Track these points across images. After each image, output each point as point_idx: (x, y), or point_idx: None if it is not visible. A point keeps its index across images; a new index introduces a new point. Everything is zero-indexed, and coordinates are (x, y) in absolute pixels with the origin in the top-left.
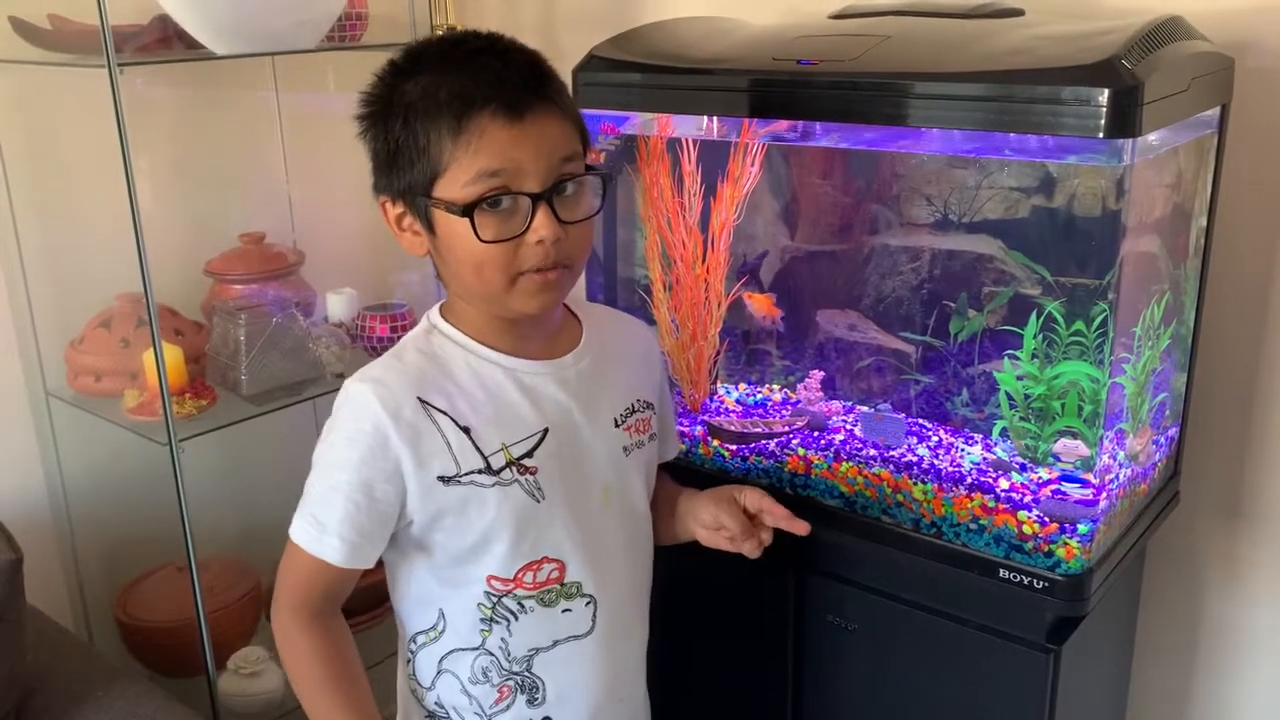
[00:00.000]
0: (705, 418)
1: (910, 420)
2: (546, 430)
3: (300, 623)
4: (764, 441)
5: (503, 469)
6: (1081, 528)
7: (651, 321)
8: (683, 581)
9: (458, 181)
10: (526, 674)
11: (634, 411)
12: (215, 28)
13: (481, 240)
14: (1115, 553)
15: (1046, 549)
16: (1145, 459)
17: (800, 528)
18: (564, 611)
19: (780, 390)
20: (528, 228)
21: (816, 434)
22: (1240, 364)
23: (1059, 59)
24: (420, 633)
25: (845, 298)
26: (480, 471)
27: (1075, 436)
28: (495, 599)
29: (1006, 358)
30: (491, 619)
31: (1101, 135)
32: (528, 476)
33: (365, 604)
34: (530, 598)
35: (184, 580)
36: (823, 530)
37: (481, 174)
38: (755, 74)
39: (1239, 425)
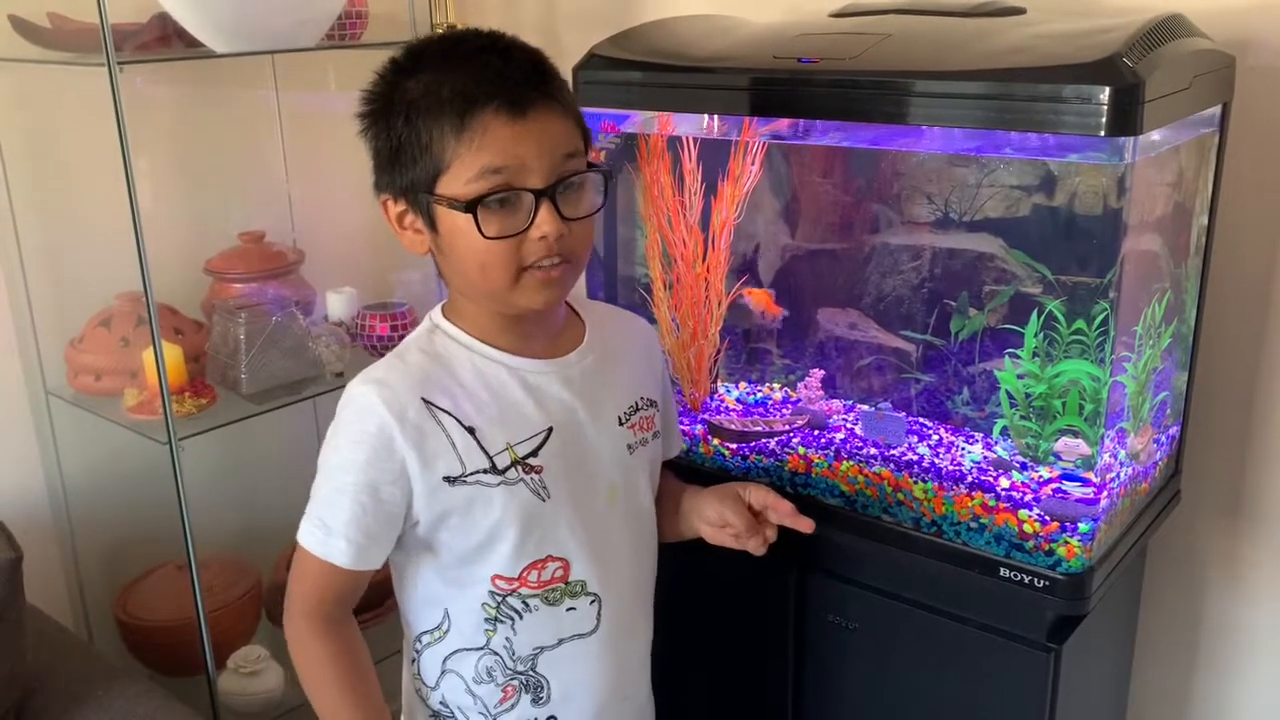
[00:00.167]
0: (705, 416)
1: (911, 419)
2: (551, 429)
3: (315, 629)
4: (764, 440)
5: (508, 468)
6: (1082, 526)
7: (652, 320)
8: (683, 580)
9: (460, 178)
10: (531, 673)
11: (638, 409)
12: (215, 26)
13: (485, 236)
14: (1116, 552)
15: (1047, 548)
16: (1146, 458)
17: (805, 525)
18: (568, 610)
19: (781, 389)
20: (531, 224)
21: (817, 433)
22: (1241, 363)
23: (1060, 57)
24: (425, 632)
25: (846, 296)
26: (485, 471)
27: (1076, 435)
28: (500, 598)
29: (1007, 356)
30: (496, 618)
31: (1103, 133)
32: (533, 475)
33: (367, 602)
34: (535, 596)
35: (184, 579)
36: (823, 529)
37: (485, 171)
38: (756, 72)
39: (1240, 424)
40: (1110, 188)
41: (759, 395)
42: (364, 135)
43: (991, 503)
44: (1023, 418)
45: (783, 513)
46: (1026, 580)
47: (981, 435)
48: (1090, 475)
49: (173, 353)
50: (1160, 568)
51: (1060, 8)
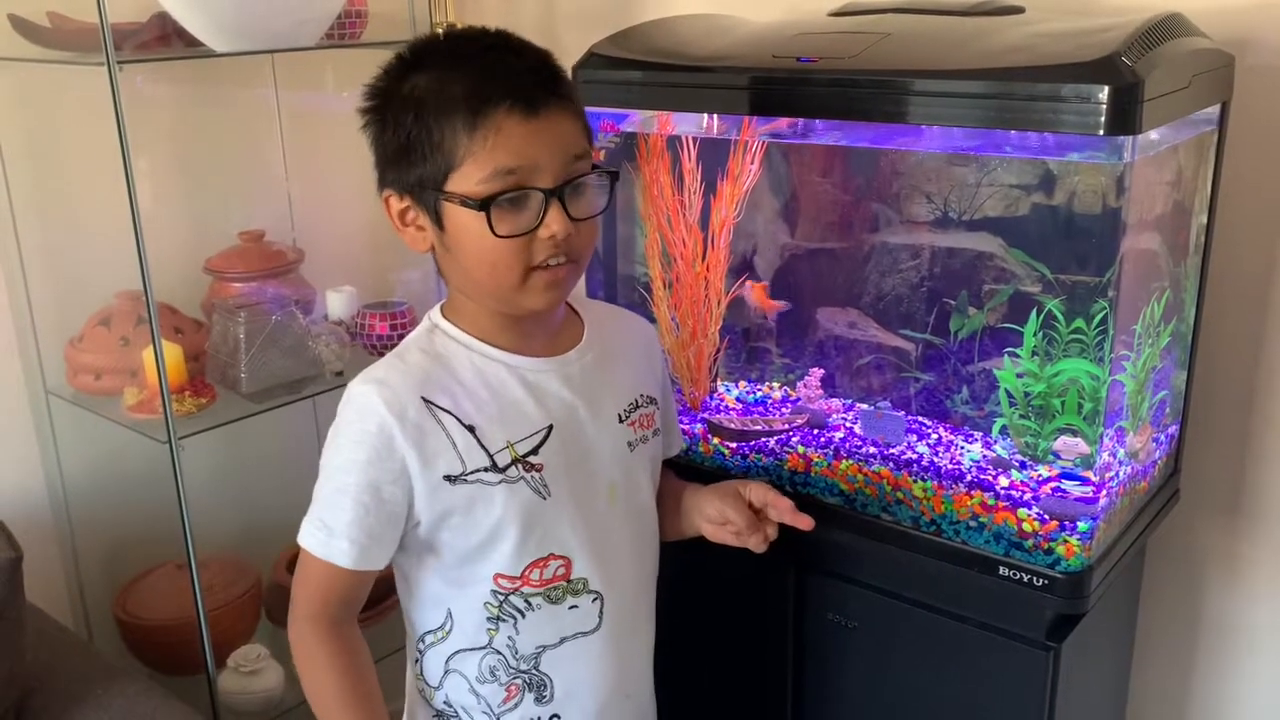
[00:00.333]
0: (705, 415)
1: (910, 418)
2: (551, 427)
3: (319, 633)
4: (764, 439)
5: (508, 466)
6: (1081, 525)
7: (651, 319)
8: (683, 579)
9: (472, 177)
10: (534, 672)
11: (637, 406)
12: (215, 25)
13: (496, 235)
14: (1115, 550)
15: (1046, 546)
16: (1145, 456)
17: (804, 522)
18: (570, 608)
19: (780, 388)
20: (540, 223)
21: (816, 432)
22: (1240, 361)
23: (1059, 56)
24: (428, 633)
25: (845, 295)
26: (486, 469)
27: (1075, 434)
28: (502, 597)
29: (1006, 355)
30: (498, 617)
31: (1102, 132)
32: (534, 473)
33: (367, 600)
34: (537, 595)
35: (184, 578)
36: (823, 528)
37: (498, 171)
38: (755, 71)
39: (1239, 423)
40: (1109, 187)
41: (758, 394)
42: (367, 130)
43: (991, 502)
44: (1022, 416)
45: (782, 509)
46: (1026, 579)
47: (981, 434)
48: (1089, 474)
49: (172, 352)
50: (1159, 566)
51: (1059, 7)
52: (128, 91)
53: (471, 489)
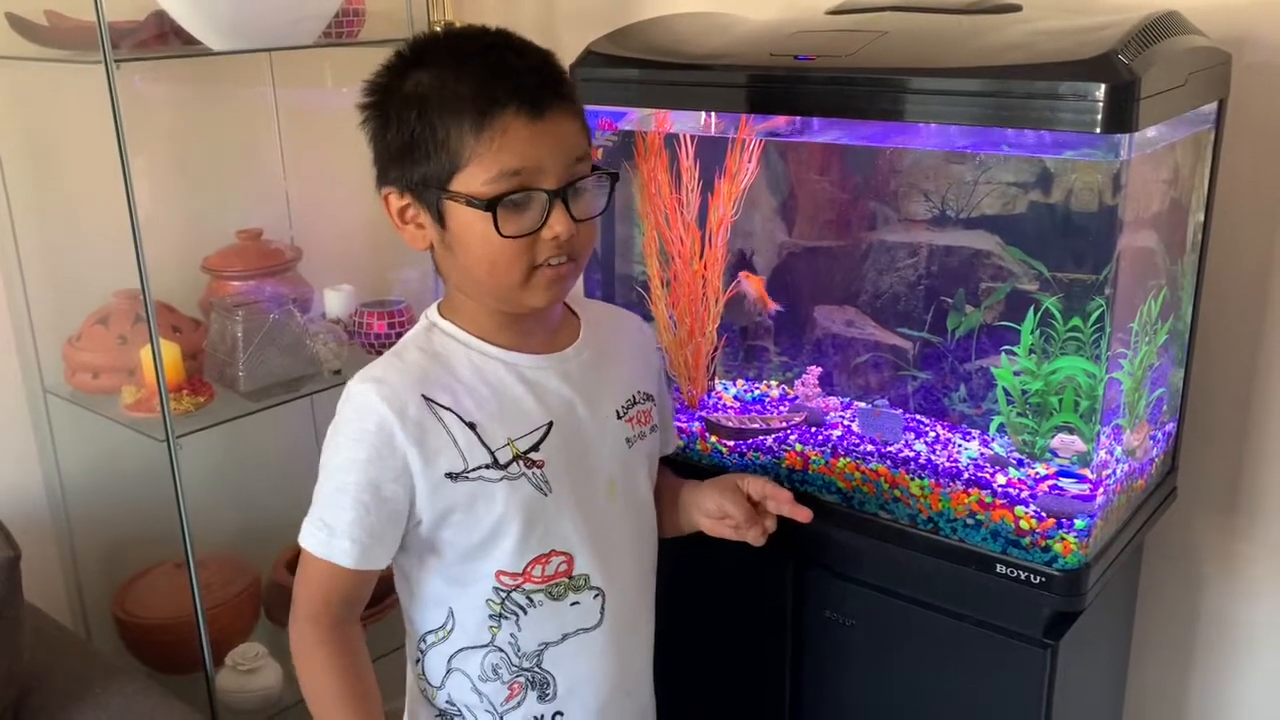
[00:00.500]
0: (703, 414)
1: (908, 416)
2: (551, 423)
3: (320, 633)
4: (762, 437)
5: (510, 463)
6: (1078, 523)
7: (649, 317)
8: (681, 576)
9: (478, 178)
10: (537, 669)
11: (635, 403)
12: (212, 24)
13: (502, 235)
14: (1112, 548)
15: (1043, 544)
16: (1142, 454)
17: (803, 514)
18: (572, 605)
19: (778, 386)
20: (544, 224)
21: (814, 430)
22: (1237, 359)
23: (1056, 54)
24: (429, 632)
25: (843, 293)
26: (487, 466)
27: (1072, 432)
28: (504, 594)
29: (1004, 353)
30: (500, 615)
31: (1098, 130)
32: (535, 470)
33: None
34: (539, 591)
35: (182, 577)
36: (820, 526)
37: (504, 172)
38: (753, 69)
39: (1236, 420)
40: (1106, 184)
41: (756, 392)
42: (366, 127)
43: (988, 499)
44: (1019, 414)
45: (781, 501)
46: (1023, 576)
47: (978, 432)
48: (1086, 472)
49: (170, 350)
50: (1157, 564)
51: (1056, 5)
52: (125, 90)
53: (473, 486)
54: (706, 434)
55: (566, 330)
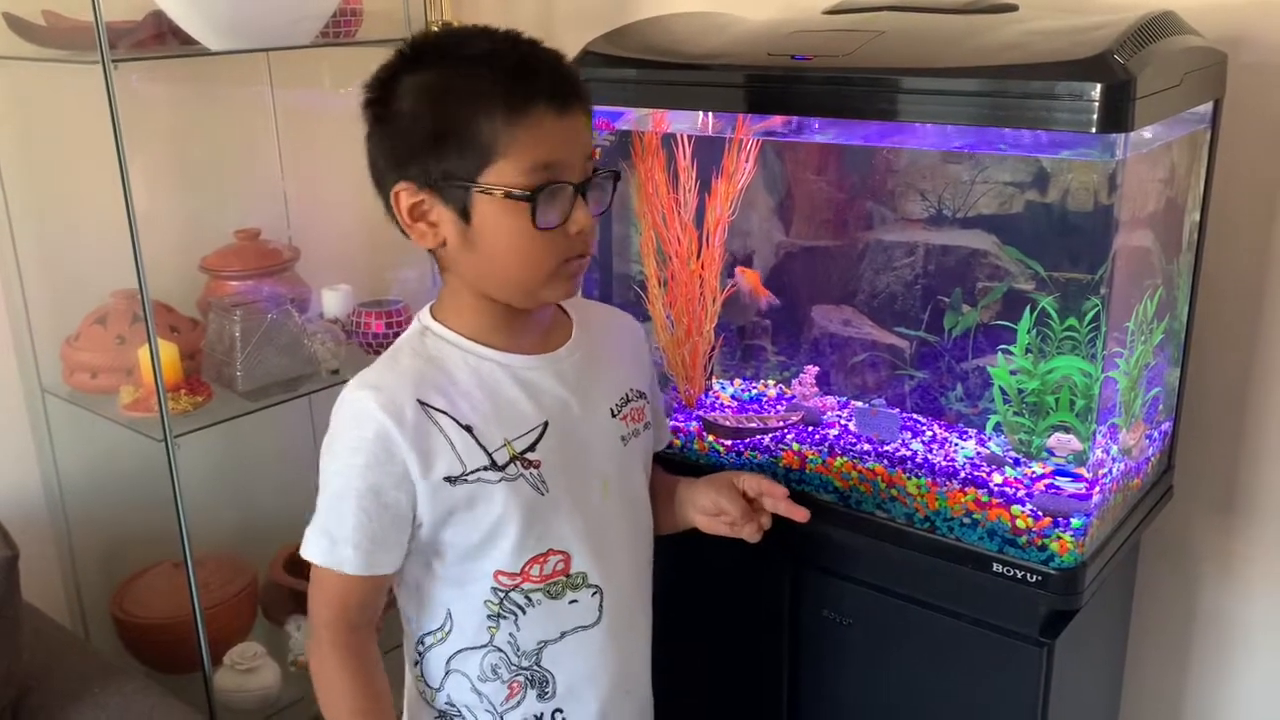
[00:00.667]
0: (700, 413)
1: (904, 415)
2: (547, 423)
3: (335, 640)
4: (759, 437)
5: (507, 464)
6: (1075, 522)
7: (646, 317)
8: (678, 576)
9: (511, 170)
10: (536, 668)
11: (628, 401)
12: (210, 24)
13: (538, 227)
14: (1109, 547)
15: (1040, 543)
16: (1139, 453)
17: (800, 514)
18: (570, 603)
19: (775, 385)
20: (568, 218)
21: (811, 429)
22: (1233, 358)
23: (1052, 54)
24: (428, 634)
25: (840, 293)
26: (486, 468)
27: (1068, 431)
28: (502, 594)
29: (1000, 353)
30: (499, 614)
31: (1094, 130)
32: (532, 470)
33: None
34: (537, 590)
35: (180, 576)
36: (817, 525)
37: (538, 165)
38: (750, 69)
39: (1232, 419)
40: (1102, 184)
41: (754, 392)
42: (374, 125)
43: (985, 498)
44: (1016, 413)
45: (777, 497)
46: (1019, 575)
47: (975, 431)
48: (1083, 471)
49: (168, 350)
50: (1153, 563)
51: (1052, 4)
52: (123, 90)
53: (472, 488)
54: (704, 433)
55: (559, 330)
